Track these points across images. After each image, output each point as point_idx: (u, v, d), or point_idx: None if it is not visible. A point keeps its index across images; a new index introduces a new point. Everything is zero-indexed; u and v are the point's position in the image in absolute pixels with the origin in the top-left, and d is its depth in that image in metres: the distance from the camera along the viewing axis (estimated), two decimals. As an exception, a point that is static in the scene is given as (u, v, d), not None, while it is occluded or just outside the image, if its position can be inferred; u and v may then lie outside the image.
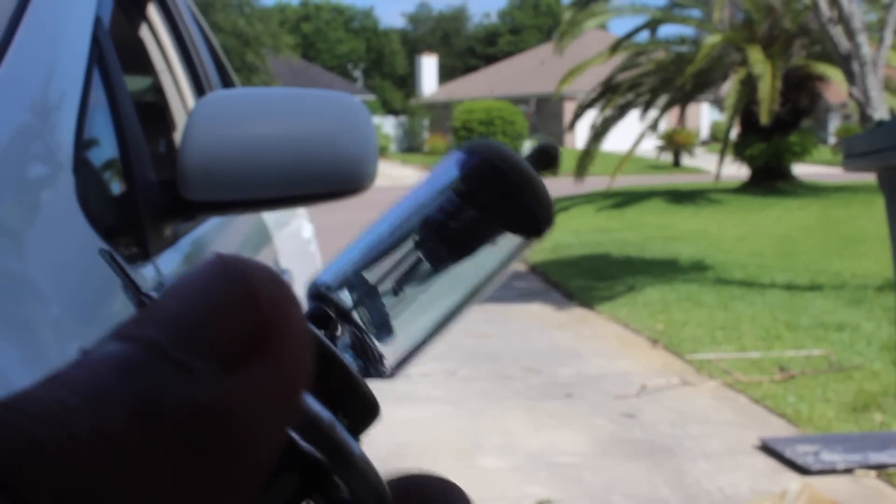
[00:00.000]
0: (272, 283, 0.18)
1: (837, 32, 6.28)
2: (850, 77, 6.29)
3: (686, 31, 18.90)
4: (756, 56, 13.28)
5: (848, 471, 3.03)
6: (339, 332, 0.26)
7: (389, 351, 0.27)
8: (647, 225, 11.57)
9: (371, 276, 0.26)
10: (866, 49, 6.18)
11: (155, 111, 1.79)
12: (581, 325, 5.76)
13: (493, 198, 0.26)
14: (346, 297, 0.26)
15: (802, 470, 3.05)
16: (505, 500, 2.95)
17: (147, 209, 1.07)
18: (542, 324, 5.84)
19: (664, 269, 7.59)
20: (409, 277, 0.26)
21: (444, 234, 0.26)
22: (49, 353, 0.74)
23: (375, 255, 0.26)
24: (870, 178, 3.10)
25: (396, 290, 0.26)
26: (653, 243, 9.53)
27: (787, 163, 15.65)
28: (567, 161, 23.99)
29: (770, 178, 15.48)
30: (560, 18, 17.96)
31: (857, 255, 8.18)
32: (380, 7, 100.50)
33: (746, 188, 15.50)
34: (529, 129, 28.26)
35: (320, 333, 0.24)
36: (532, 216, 0.27)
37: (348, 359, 0.25)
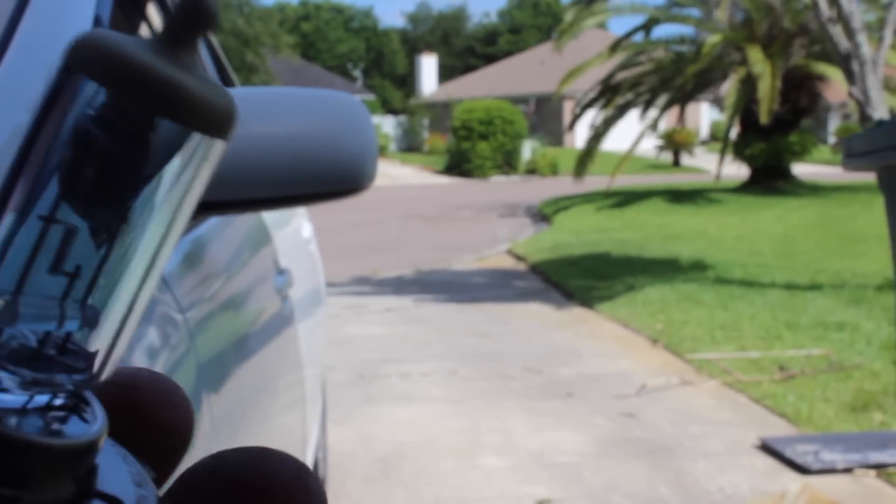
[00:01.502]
0: None
1: (837, 32, 6.28)
2: (850, 76, 6.29)
3: (685, 30, 18.90)
4: (756, 55, 13.28)
5: (848, 470, 3.03)
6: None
7: (94, 345, 0.22)
8: (647, 224, 11.57)
9: (19, 278, 0.21)
10: (866, 48, 6.18)
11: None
12: (581, 324, 5.76)
13: (130, 123, 0.21)
14: None
15: (802, 469, 3.05)
16: (505, 499, 2.95)
17: (146, 209, 1.07)
18: (541, 323, 5.84)
19: (664, 269, 7.60)
20: (71, 249, 0.22)
21: (85, 186, 0.21)
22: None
23: (9, 255, 0.21)
24: (870, 177, 3.10)
25: (62, 271, 0.22)
26: (652, 243, 9.53)
27: (787, 162, 15.65)
28: (567, 160, 24.01)
29: (770, 177, 15.48)
30: (560, 18, 17.96)
31: (856, 254, 8.19)
32: (379, 6, 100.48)
33: (746, 188, 15.50)
34: (529, 129, 28.25)
35: None
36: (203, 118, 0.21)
37: (9, 404, 0.22)
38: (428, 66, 42.23)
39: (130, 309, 0.22)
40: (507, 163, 25.61)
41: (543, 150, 27.26)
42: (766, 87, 12.81)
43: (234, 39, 24.87)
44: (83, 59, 0.21)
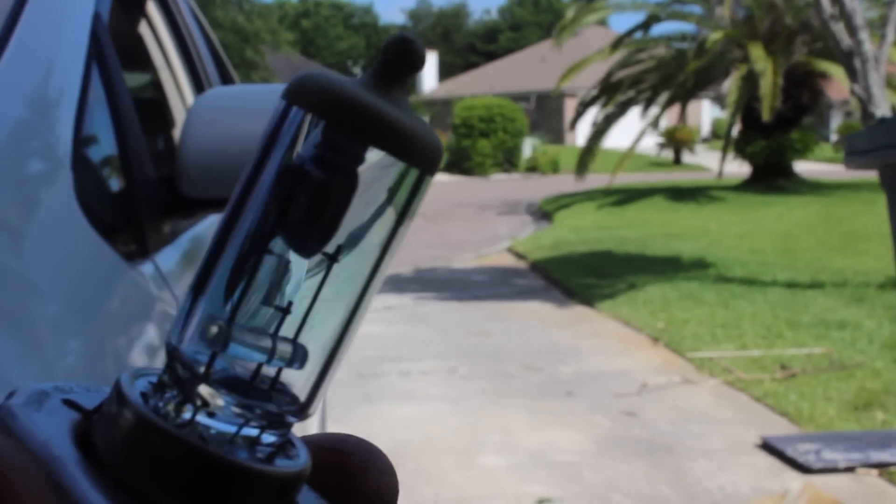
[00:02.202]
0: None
1: (839, 29, 6.27)
2: (852, 74, 6.27)
3: (687, 27, 18.88)
4: (757, 53, 13.26)
5: (849, 469, 3.03)
6: (214, 401, 0.22)
7: (299, 383, 0.23)
8: (648, 222, 11.56)
9: (233, 306, 0.22)
10: (868, 46, 6.16)
11: (154, 108, 1.78)
12: (581, 322, 5.75)
13: (341, 156, 0.22)
14: (204, 351, 0.22)
15: (803, 468, 3.04)
16: (505, 498, 2.95)
17: (146, 206, 1.06)
18: (542, 322, 5.83)
19: (665, 267, 7.59)
20: (282, 284, 0.22)
21: (297, 218, 0.22)
22: (47, 350, 0.74)
23: (226, 282, 0.22)
24: (872, 175, 3.09)
25: (277, 305, 0.22)
26: (653, 241, 9.53)
27: (789, 160, 15.64)
28: (568, 158, 23.99)
29: (771, 175, 15.47)
30: (561, 15, 17.94)
31: (858, 252, 8.18)
32: (379, 3, 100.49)
33: (748, 185, 15.49)
34: (530, 126, 28.23)
35: (166, 424, 0.21)
36: (422, 156, 0.22)
37: (221, 429, 0.22)
38: (428, 63, 42.24)
39: (338, 347, 0.23)
40: (508, 160, 25.60)
41: (544, 148, 27.25)
42: (768, 85, 12.80)
43: (233, 36, 24.85)
44: (303, 94, 0.22)
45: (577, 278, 7.24)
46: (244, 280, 0.22)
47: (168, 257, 1.13)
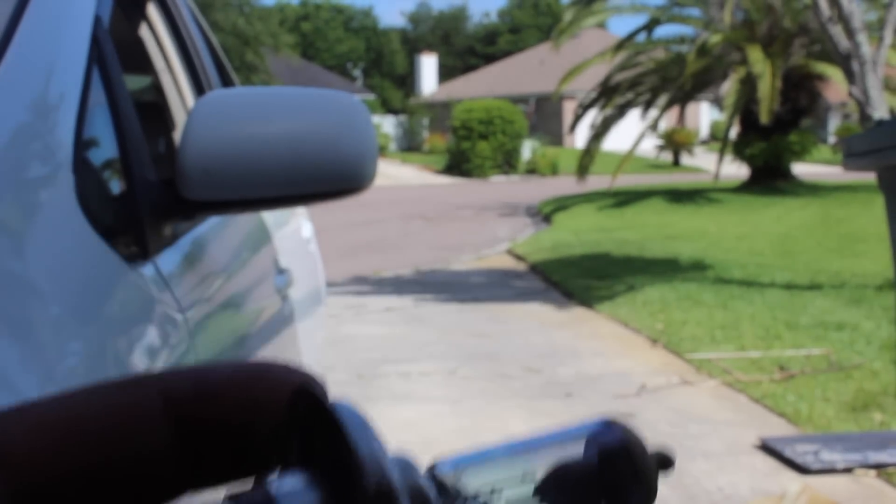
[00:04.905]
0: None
1: (837, 31, 6.28)
2: (850, 76, 6.28)
3: (685, 30, 18.89)
4: (756, 55, 13.28)
5: (848, 470, 3.03)
6: None
7: None
8: (647, 224, 11.57)
9: (490, 480, 0.26)
10: (866, 48, 6.17)
11: (154, 110, 1.79)
12: (581, 324, 5.75)
13: (618, 477, 0.27)
14: (463, 487, 0.26)
15: (802, 469, 3.04)
16: (504, 499, 2.95)
17: (146, 208, 1.07)
18: (541, 323, 5.84)
19: (664, 269, 7.60)
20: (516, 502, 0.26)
21: (564, 485, 0.27)
22: (48, 352, 0.74)
23: (504, 464, 0.26)
24: (870, 177, 3.10)
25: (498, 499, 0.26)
26: (652, 242, 9.53)
27: (787, 162, 15.65)
28: (568, 161, 24.00)
29: (770, 177, 15.48)
30: (559, 17, 17.95)
31: (856, 254, 8.19)
32: (379, 6, 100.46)
33: (746, 187, 15.50)
34: (529, 129, 28.24)
35: None
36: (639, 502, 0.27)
37: None
38: (428, 65, 42.22)
39: None
40: (507, 162, 25.61)
41: (543, 150, 27.25)
42: (766, 87, 12.81)
43: (233, 39, 24.85)
44: None
45: (576, 280, 7.24)
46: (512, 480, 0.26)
47: (169, 259, 1.13)
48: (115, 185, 1.17)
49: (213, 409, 0.23)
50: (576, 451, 0.27)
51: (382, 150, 31.47)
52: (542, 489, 0.26)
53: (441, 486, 0.25)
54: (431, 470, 0.25)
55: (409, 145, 36.34)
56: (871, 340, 4.80)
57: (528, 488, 0.26)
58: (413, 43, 55.68)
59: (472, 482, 0.25)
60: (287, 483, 0.22)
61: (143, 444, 0.22)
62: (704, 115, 36.18)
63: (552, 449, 0.27)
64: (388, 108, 47.20)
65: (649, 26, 15.19)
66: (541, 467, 0.26)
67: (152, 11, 1.58)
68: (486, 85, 36.59)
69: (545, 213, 13.88)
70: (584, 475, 0.27)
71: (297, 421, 0.23)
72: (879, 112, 6.06)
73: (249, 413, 0.23)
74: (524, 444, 0.27)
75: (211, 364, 0.24)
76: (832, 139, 28.89)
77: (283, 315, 1.71)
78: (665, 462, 0.28)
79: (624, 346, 5.08)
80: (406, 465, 0.23)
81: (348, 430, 0.22)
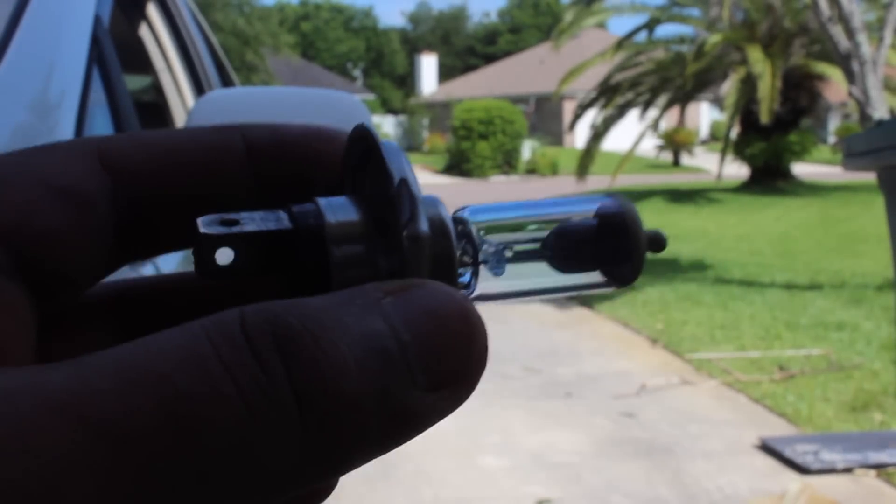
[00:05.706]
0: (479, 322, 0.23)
1: (837, 31, 6.28)
2: (850, 76, 6.29)
3: (685, 30, 18.90)
4: (756, 55, 13.28)
5: (847, 470, 3.03)
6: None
7: (486, 284, 0.29)
8: (647, 224, 11.55)
9: (504, 235, 0.28)
10: (866, 48, 6.18)
11: (154, 110, 1.79)
12: (581, 324, 5.76)
13: (611, 245, 0.29)
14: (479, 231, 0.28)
15: (802, 469, 3.05)
16: (504, 499, 2.95)
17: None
18: (541, 323, 5.84)
19: (664, 269, 7.60)
20: (522, 253, 0.29)
21: (564, 243, 0.29)
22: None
23: (517, 222, 0.29)
24: (869, 177, 3.10)
25: (511, 254, 0.28)
26: (652, 243, 9.52)
27: (787, 162, 15.65)
28: (567, 160, 24.00)
29: (770, 177, 15.48)
30: (560, 17, 17.96)
31: (856, 254, 8.19)
32: (379, 6, 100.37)
33: (746, 187, 15.50)
34: (529, 129, 28.25)
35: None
36: (626, 273, 0.29)
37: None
38: (428, 65, 42.22)
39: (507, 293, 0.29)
40: (507, 162, 25.61)
41: (543, 150, 27.25)
42: (767, 87, 12.81)
43: (234, 39, 24.85)
44: None
45: (576, 280, 7.24)
46: (524, 238, 0.29)
47: (168, 258, 1.13)
48: (115, 185, 1.17)
49: (286, 155, 0.26)
50: (584, 217, 0.29)
51: (382, 150, 31.30)
52: (546, 244, 0.28)
53: (460, 225, 0.28)
54: (456, 211, 0.28)
55: (409, 145, 36.33)
56: (870, 340, 4.80)
57: (536, 245, 0.28)
58: (413, 43, 55.68)
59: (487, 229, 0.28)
60: (334, 200, 0.24)
61: (229, 175, 0.25)
62: (704, 115, 36.18)
63: (563, 211, 0.29)
64: (388, 108, 47.20)
65: (649, 26, 15.19)
66: (549, 226, 0.29)
67: (152, 11, 1.58)
68: (486, 85, 36.59)
69: (545, 213, 13.87)
70: (584, 240, 0.29)
71: (352, 158, 0.26)
72: (879, 112, 6.06)
73: (316, 166, 0.26)
74: (539, 203, 0.29)
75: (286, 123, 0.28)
76: (832, 139, 28.89)
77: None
78: (657, 241, 0.30)
79: (624, 347, 5.08)
80: (433, 201, 0.26)
81: (390, 160, 0.25)
